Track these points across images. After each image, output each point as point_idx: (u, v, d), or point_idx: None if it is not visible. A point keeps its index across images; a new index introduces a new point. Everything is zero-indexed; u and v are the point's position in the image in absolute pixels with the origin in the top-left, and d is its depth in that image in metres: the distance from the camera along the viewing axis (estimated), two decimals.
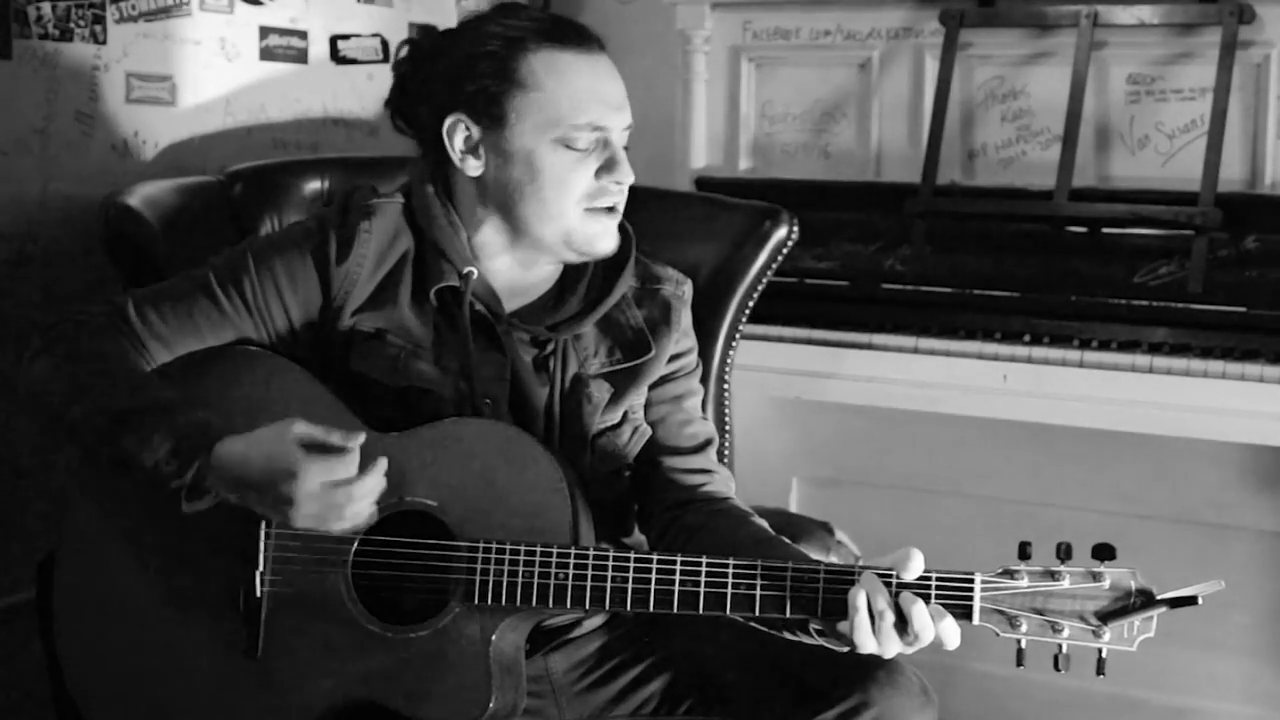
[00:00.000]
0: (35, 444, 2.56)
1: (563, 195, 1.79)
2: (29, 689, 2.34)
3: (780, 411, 3.14)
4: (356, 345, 1.81)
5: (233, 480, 1.64)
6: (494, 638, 1.68)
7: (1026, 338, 2.77)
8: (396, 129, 1.89)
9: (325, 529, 1.64)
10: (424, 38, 1.92)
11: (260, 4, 2.90)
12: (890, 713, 1.72)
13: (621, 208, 1.85)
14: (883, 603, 1.56)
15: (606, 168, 1.80)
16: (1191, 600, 1.53)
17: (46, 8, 2.53)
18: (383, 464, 1.65)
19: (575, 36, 1.81)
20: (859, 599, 1.56)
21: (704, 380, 2.04)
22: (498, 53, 1.78)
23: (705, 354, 2.12)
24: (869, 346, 2.84)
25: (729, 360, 2.36)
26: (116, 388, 1.70)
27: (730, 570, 1.63)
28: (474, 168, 1.81)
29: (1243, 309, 2.65)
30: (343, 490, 1.62)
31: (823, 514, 2.58)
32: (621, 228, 1.93)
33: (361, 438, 1.65)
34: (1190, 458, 2.87)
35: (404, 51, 1.88)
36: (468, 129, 1.80)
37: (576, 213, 1.80)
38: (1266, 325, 2.62)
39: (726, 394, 2.38)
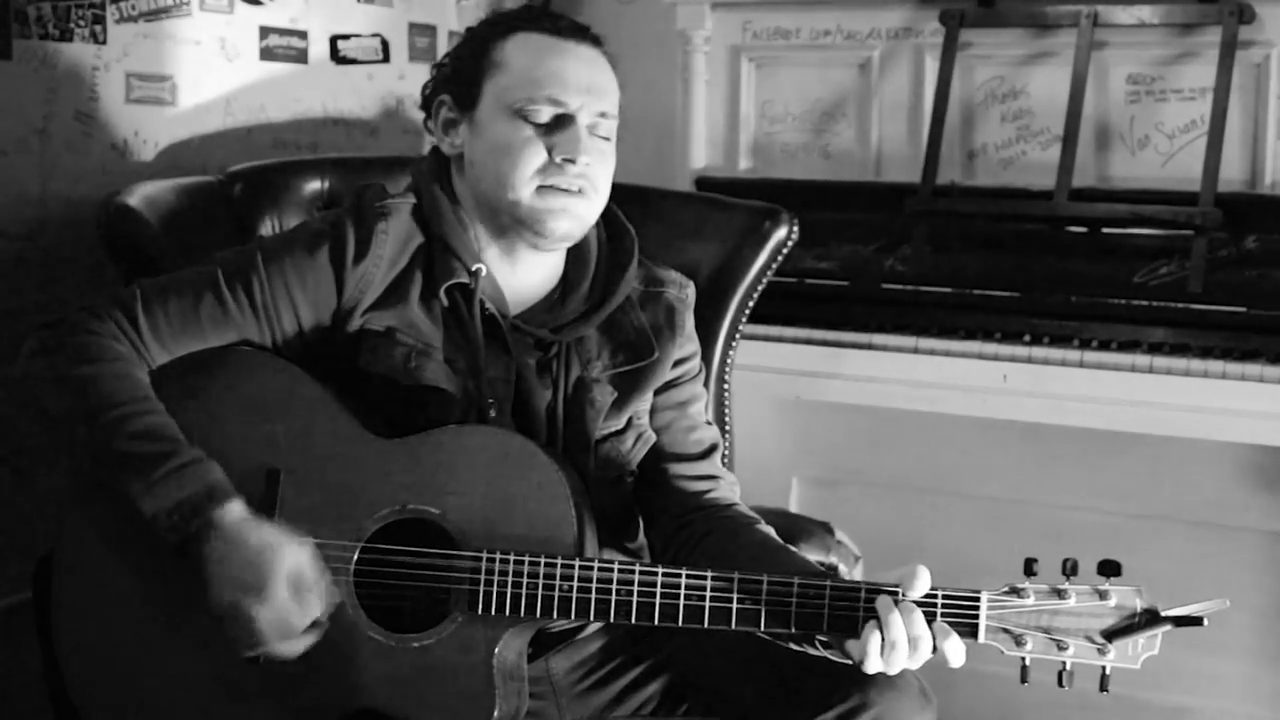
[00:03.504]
0: (35, 444, 2.56)
1: (515, 169, 1.78)
2: (28, 689, 2.34)
3: (780, 411, 3.14)
4: (366, 343, 1.80)
5: (212, 550, 1.64)
6: (497, 648, 1.67)
7: (1026, 338, 2.77)
8: (425, 128, 1.92)
9: (241, 645, 1.65)
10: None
11: (260, 4, 2.90)
12: (890, 714, 1.72)
13: (593, 196, 1.82)
14: (900, 633, 1.56)
15: (559, 145, 1.78)
16: (1197, 620, 1.54)
17: (46, 8, 2.53)
18: (316, 636, 1.66)
19: (565, 27, 1.83)
20: (894, 630, 1.56)
21: (705, 381, 2.03)
22: (484, 38, 1.83)
23: (705, 354, 2.12)
24: (869, 346, 2.84)
25: (729, 360, 2.37)
26: (120, 423, 1.68)
27: (735, 586, 1.63)
28: (449, 146, 1.85)
29: (1243, 309, 2.65)
30: (281, 631, 1.63)
31: (823, 514, 2.58)
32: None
33: (330, 608, 1.66)
34: (1190, 458, 2.87)
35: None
36: (450, 110, 1.85)
37: (529, 190, 1.78)
38: (1266, 325, 2.62)
39: (727, 394, 2.38)
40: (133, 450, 1.67)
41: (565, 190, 1.79)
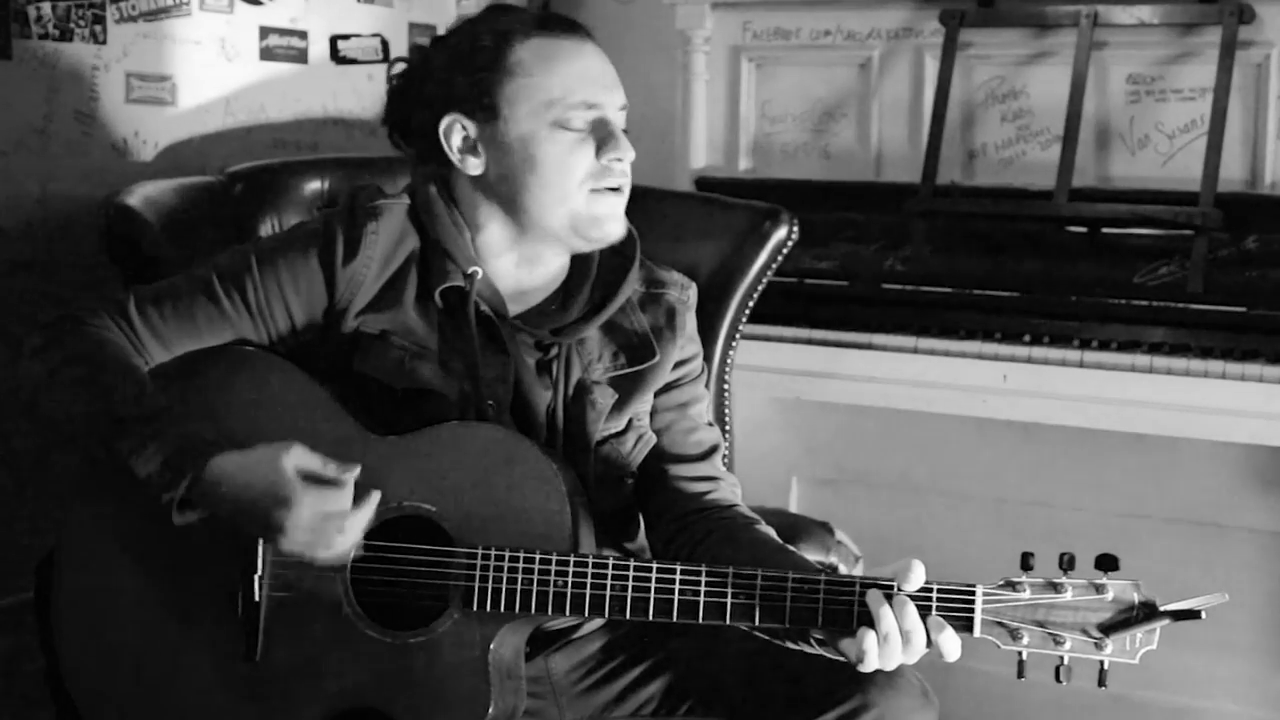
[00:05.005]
0: (35, 444, 2.56)
1: (565, 179, 1.78)
2: (28, 689, 2.34)
3: (780, 411, 3.14)
4: (361, 346, 1.81)
5: (224, 498, 1.64)
6: (493, 645, 1.68)
7: (1026, 338, 2.76)
8: (394, 144, 1.89)
9: (311, 557, 1.64)
10: (414, 51, 1.93)
11: (260, 4, 2.90)
12: (891, 714, 1.72)
13: (627, 190, 1.83)
14: (891, 626, 1.56)
15: (606, 146, 1.79)
16: (1195, 614, 1.53)
17: (46, 8, 2.53)
18: (375, 497, 1.66)
19: (560, 25, 1.83)
20: (885, 623, 1.55)
21: (705, 381, 2.03)
22: (486, 47, 1.80)
23: (706, 354, 2.11)
24: (869, 346, 2.84)
25: (729, 360, 2.37)
26: (114, 391, 1.70)
27: (730, 580, 1.63)
28: (474, 166, 1.81)
29: (1243, 309, 2.65)
30: (334, 523, 1.63)
31: (822, 514, 2.58)
32: (626, 230, 1.93)
33: (356, 470, 1.65)
34: (1190, 458, 2.87)
35: (396, 69, 1.89)
36: (464, 127, 1.80)
37: (581, 195, 1.79)
38: (1266, 325, 2.62)
39: (727, 394, 2.38)
40: (125, 414, 1.67)
41: (612, 189, 1.80)
